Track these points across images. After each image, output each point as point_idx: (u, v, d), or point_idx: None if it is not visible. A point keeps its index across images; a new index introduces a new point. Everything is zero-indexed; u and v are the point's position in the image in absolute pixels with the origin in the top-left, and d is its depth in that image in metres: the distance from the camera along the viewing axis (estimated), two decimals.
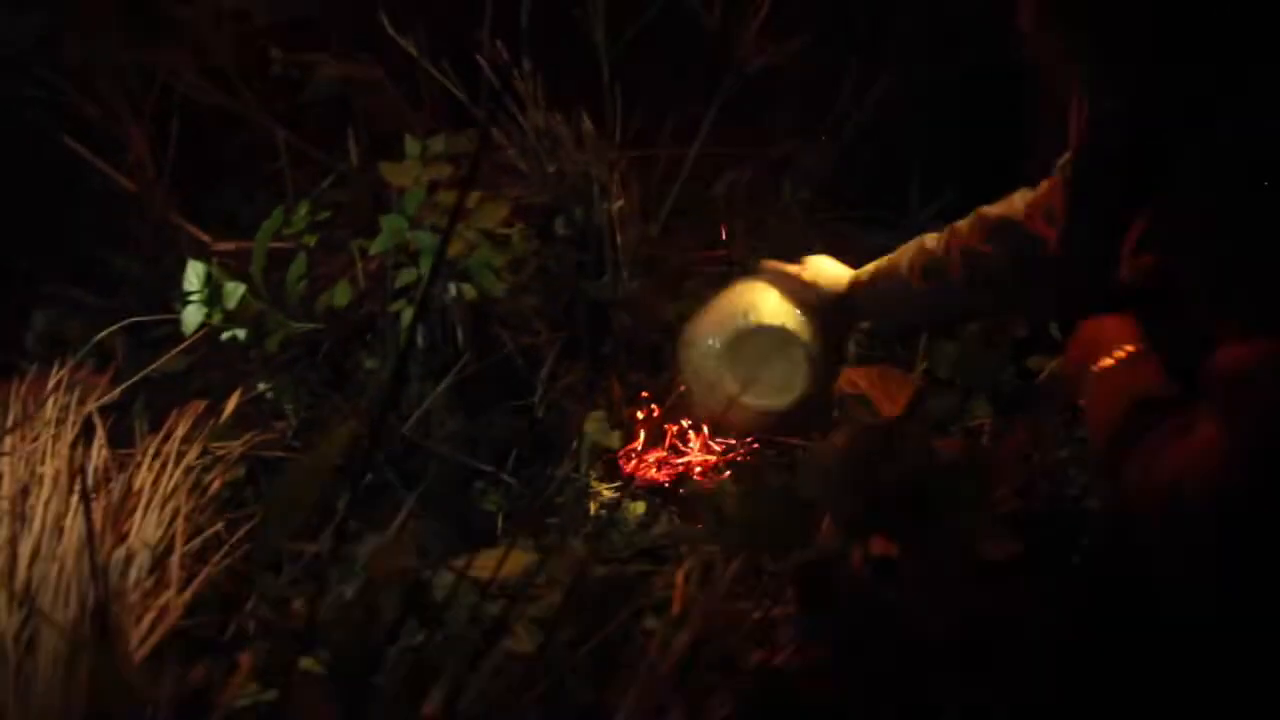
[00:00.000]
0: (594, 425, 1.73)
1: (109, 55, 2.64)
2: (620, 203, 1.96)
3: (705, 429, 1.95)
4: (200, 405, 1.83)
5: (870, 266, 1.66)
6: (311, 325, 1.95)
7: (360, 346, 2.00)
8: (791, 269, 1.71)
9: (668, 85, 2.32)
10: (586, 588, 1.33)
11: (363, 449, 1.85)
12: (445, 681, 1.21)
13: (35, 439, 1.69)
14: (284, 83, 2.71)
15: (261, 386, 1.85)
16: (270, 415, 1.99)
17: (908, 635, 0.99)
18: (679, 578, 1.37)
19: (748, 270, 1.77)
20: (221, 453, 1.72)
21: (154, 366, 1.82)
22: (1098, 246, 1.29)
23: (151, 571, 1.45)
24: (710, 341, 1.70)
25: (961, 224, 1.55)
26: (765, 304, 1.68)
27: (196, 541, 1.55)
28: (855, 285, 1.66)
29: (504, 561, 1.40)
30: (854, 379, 1.25)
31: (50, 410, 1.79)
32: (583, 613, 1.33)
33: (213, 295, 1.73)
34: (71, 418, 1.78)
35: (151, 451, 1.65)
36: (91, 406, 1.74)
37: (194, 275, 1.72)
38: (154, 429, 1.84)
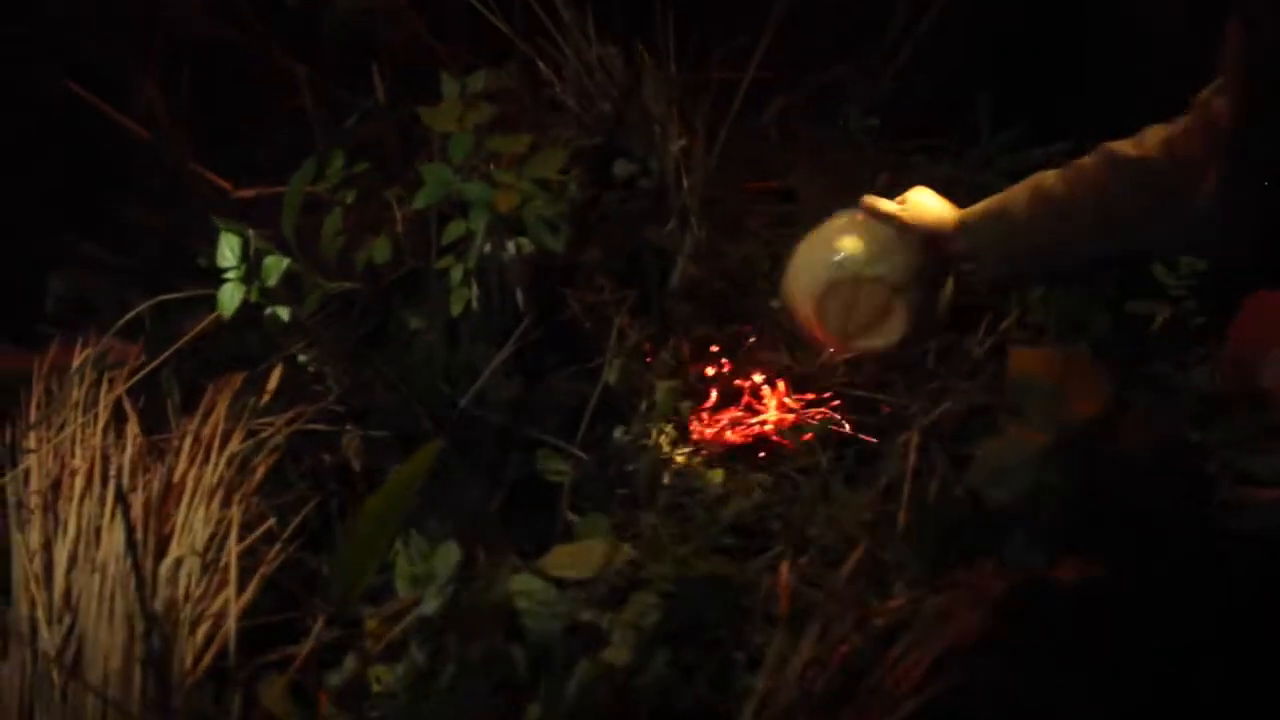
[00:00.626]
0: (664, 390, 1.58)
1: None
2: (683, 141, 1.79)
3: (781, 383, 1.81)
4: (237, 378, 1.70)
5: (980, 206, 1.51)
6: (349, 284, 1.80)
7: (404, 305, 1.85)
8: (892, 207, 1.57)
9: (718, 6, 2.14)
10: (685, 587, 1.20)
11: (416, 420, 1.74)
12: (540, 701, 1.09)
13: (63, 427, 1.56)
14: (300, 16, 2.53)
15: (301, 358, 1.71)
16: (311, 381, 1.85)
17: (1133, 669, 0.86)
18: (783, 572, 1.25)
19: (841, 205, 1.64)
20: (265, 433, 1.59)
21: (187, 338, 1.67)
22: (1268, 207, 1.14)
23: (203, 574, 1.32)
24: (804, 283, 1.60)
25: (1086, 161, 1.39)
26: (861, 247, 1.57)
27: (249, 538, 1.43)
28: (965, 226, 1.51)
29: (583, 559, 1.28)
30: (1028, 364, 1.09)
31: (77, 392, 1.66)
32: (681, 614, 1.21)
33: (250, 270, 1.57)
34: (102, 399, 1.65)
35: (190, 437, 1.52)
36: (120, 389, 1.60)
37: (229, 249, 1.56)
38: (188, 403, 1.71)
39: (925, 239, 1.53)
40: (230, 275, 1.58)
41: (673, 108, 1.82)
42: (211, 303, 2.28)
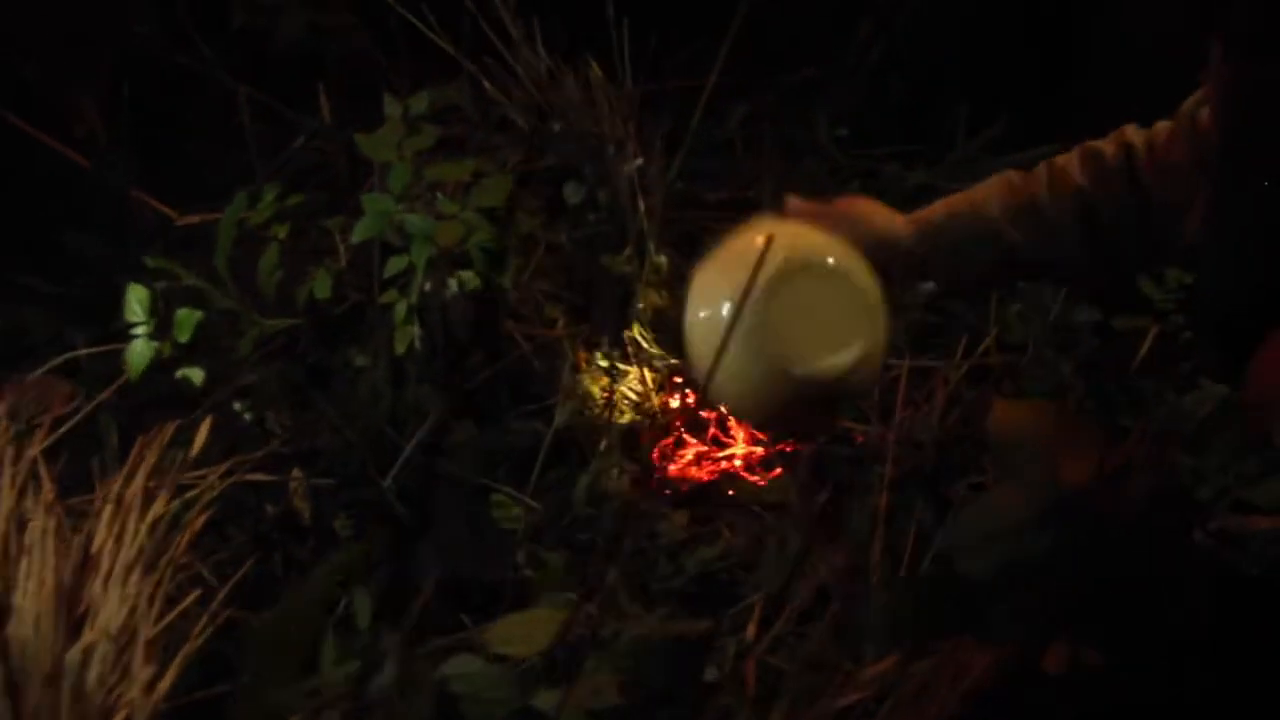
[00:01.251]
0: (618, 431, 1.47)
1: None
2: (639, 160, 1.69)
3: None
4: (168, 429, 1.59)
5: (938, 207, 1.32)
6: (289, 321, 1.70)
7: (347, 341, 1.75)
8: (825, 207, 1.31)
9: (677, 12, 2.03)
10: (644, 658, 1.10)
11: (361, 466, 1.64)
12: None
13: None
14: (248, 36, 2.43)
15: (236, 406, 1.60)
16: (250, 427, 1.75)
17: None
18: (751, 630, 1.15)
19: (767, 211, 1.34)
20: (197, 489, 1.48)
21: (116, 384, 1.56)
22: (1262, 224, 1.05)
23: (119, 658, 1.21)
24: (725, 300, 1.19)
25: (1065, 159, 1.28)
26: (798, 241, 1.21)
27: (173, 612, 1.32)
28: (921, 228, 1.31)
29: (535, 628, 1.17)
30: (1011, 416, 0.96)
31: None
32: (639, 691, 1.11)
33: (161, 324, 1.46)
34: (25, 450, 1.54)
35: (113, 498, 1.41)
36: (37, 446, 1.49)
37: (135, 302, 1.45)
38: (126, 448, 1.61)
39: (873, 240, 1.28)
40: (139, 331, 1.47)
41: (628, 124, 1.71)
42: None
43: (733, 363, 1.15)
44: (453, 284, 1.46)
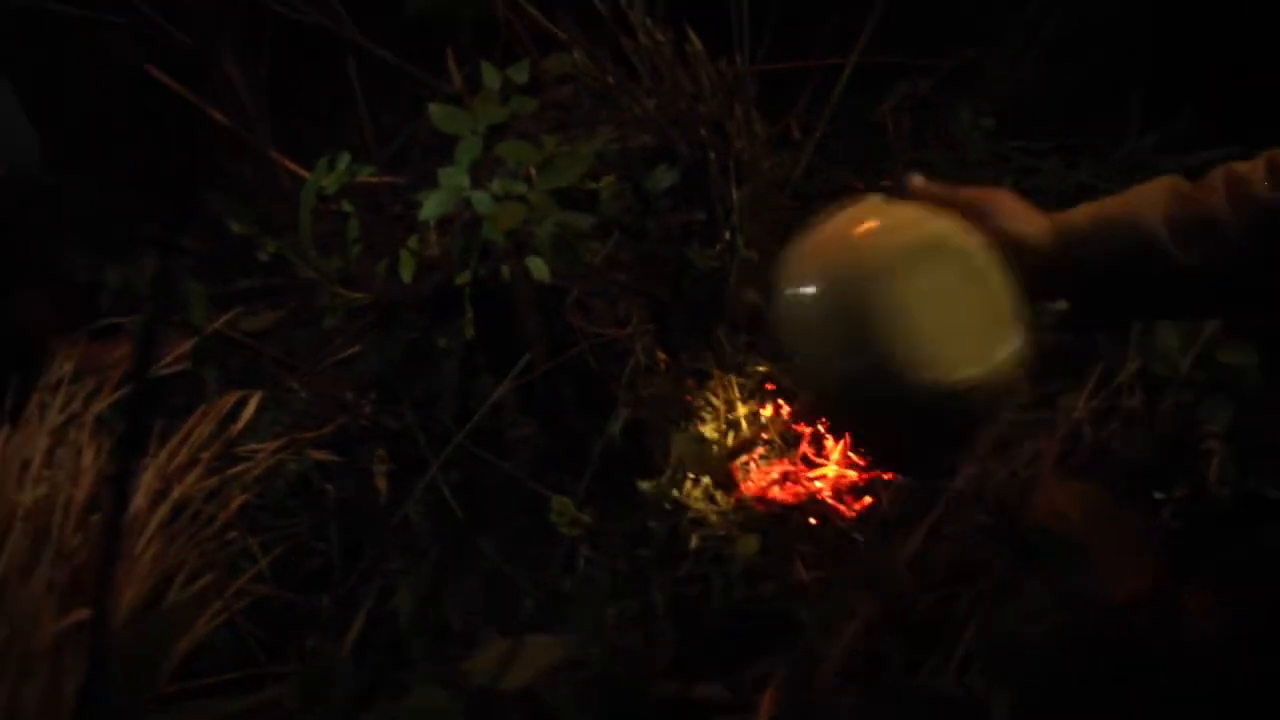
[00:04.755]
0: (681, 441, 1.34)
1: None
2: (744, 144, 1.54)
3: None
4: (228, 398, 1.55)
5: (1085, 210, 1.06)
6: (370, 296, 1.63)
7: (433, 322, 1.68)
8: (954, 193, 1.06)
9: None
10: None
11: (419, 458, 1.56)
12: None
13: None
14: None
15: (297, 389, 1.55)
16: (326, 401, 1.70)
17: None
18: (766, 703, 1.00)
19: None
20: (240, 468, 1.44)
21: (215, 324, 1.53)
22: None
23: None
24: (825, 280, 0.95)
25: (1247, 166, 1.01)
26: (923, 223, 0.98)
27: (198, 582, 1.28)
28: (1064, 234, 1.04)
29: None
30: (1059, 504, 0.77)
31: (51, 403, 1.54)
32: None
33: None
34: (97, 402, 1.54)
35: (152, 471, 1.37)
36: (101, 405, 1.47)
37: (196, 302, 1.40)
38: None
39: (1013, 244, 1.03)
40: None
41: (736, 105, 1.56)
42: (274, 298, 2.19)
43: (830, 358, 0.95)
44: (505, 271, 1.36)
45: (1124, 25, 2.11)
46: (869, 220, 0.97)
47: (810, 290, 0.96)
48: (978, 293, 0.97)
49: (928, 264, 0.95)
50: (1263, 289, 1.03)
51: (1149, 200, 1.03)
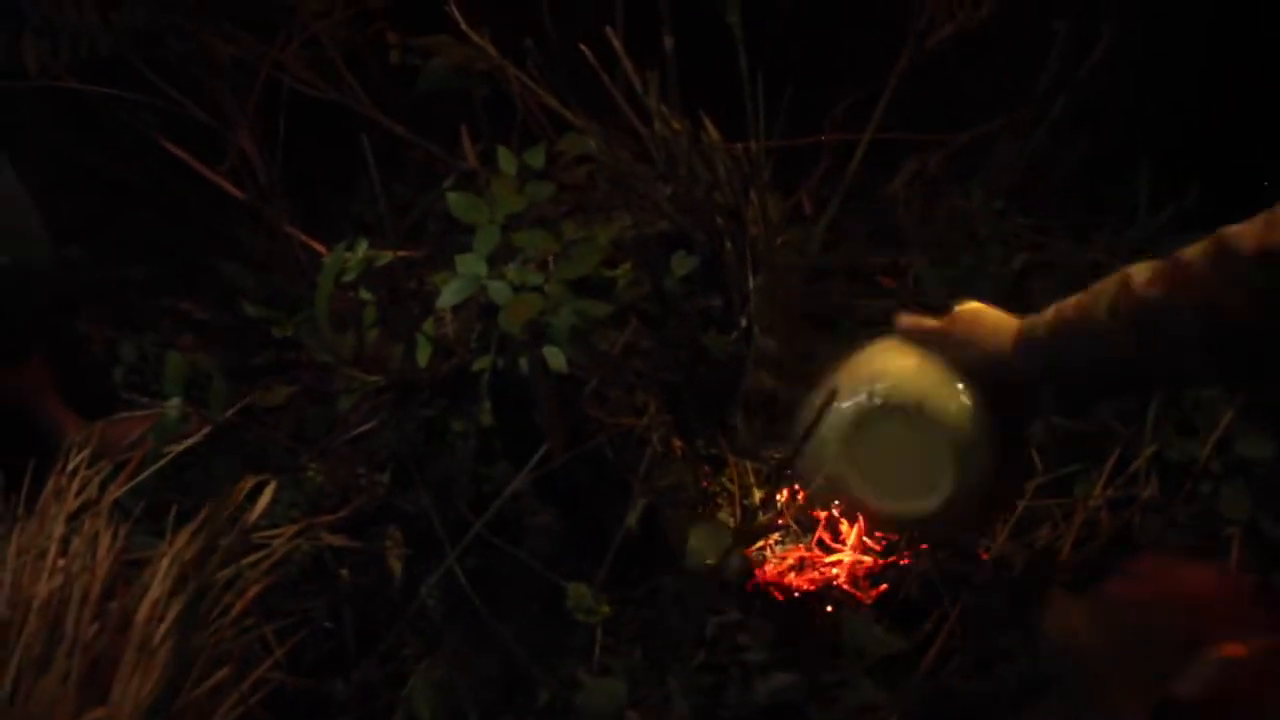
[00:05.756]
0: (697, 535, 1.34)
1: (212, 50, 2.40)
2: (759, 231, 1.55)
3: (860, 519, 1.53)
4: (244, 485, 1.54)
5: (1048, 314, 1.19)
6: (385, 380, 1.64)
7: (449, 406, 1.68)
8: (934, 323, 1.28)
9: (826, 70, 1.89)
10: None
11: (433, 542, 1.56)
12: None
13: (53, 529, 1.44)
14: (403, 71, 2.42)
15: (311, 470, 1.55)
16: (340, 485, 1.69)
17: None
18: None
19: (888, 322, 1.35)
20: (255, 556, 1.43)
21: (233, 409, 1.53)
22: None
23: None
24: (829, 422, 1.29)
25: (1191, 252, 1.07)
26: (899, 371, 1.27)
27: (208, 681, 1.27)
28: (1027, 338, 1.19)
29: None
30: (1066, 617, 0.77)
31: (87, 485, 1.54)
32: None
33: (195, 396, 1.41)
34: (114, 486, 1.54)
35: (169, 558, 1.37)
36: (118, 490, 1.47)
37: (173, 371, 1.40)
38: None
39: (983, 359, 1.22)
40: (173, 404, 1.42)
41: (752, 191, 1.58)
42: (289, 372, 2.19)
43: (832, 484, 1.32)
44: (522, 363, 1.36)
45: (1133, 102, 2.13)
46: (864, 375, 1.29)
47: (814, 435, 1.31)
48: (925, 441, 1.24)
49: (881, 423, 1.27)
50: (1207, 375, 1.09)
51: (1101, 293, 1.13)
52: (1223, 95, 2.03)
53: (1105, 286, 1.12)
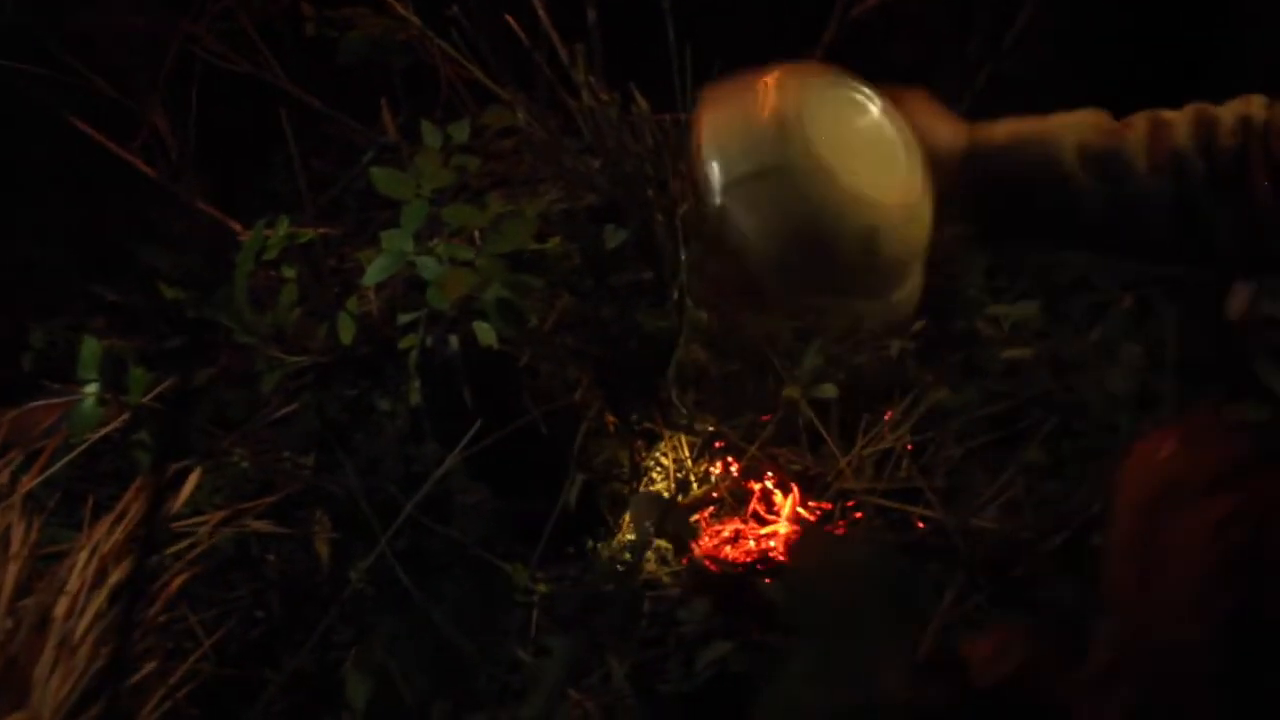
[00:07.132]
0: (640, 501, 1.33)
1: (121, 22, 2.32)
2: (690, 204, 1.53)
3: (795, 488, 1.53)
4: (164, 472, 1.49)
5: (1004, 128, 1.00)
6: (309, 359, 1.59)
7: (372, 385, 1.64)
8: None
9: (753, 43, 1.87)
10: None
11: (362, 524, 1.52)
12: None
13: None
14: (321, 44, 2.35)
15: (236, 457, 1.50)
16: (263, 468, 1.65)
17: None
18: None
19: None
20: (180, 545, 1.39)
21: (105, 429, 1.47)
22: None
23: None
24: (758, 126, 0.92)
25: (1174, 114, 0.97)
26: (830, 75, 0.98)
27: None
28: (976, 147, 1.00)
29: None
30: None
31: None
32: None
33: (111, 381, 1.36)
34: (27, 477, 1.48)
35: (87, 550, 1.32)
36: (31, 481, 1.41)
37: (88, 357, 1.35)
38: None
39: (933, 142, 0.98)
40: (89, 390, 1.37)
41: (681, 163, 1.55)
42: (212, 357, 2.13)
43: (764, 200, 0.89)
44: (453, 340, 1.33)
45: (1056, 71, 2.14)
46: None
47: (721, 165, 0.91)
48: (887, 137, 0.94)
49: (841, 106, 0.95)
50: (1164, 241, 1.00)
51: (1069, 125, 0.99)
52: (1147, 62, 2.05)
53: (1075, 118, 1.00)
